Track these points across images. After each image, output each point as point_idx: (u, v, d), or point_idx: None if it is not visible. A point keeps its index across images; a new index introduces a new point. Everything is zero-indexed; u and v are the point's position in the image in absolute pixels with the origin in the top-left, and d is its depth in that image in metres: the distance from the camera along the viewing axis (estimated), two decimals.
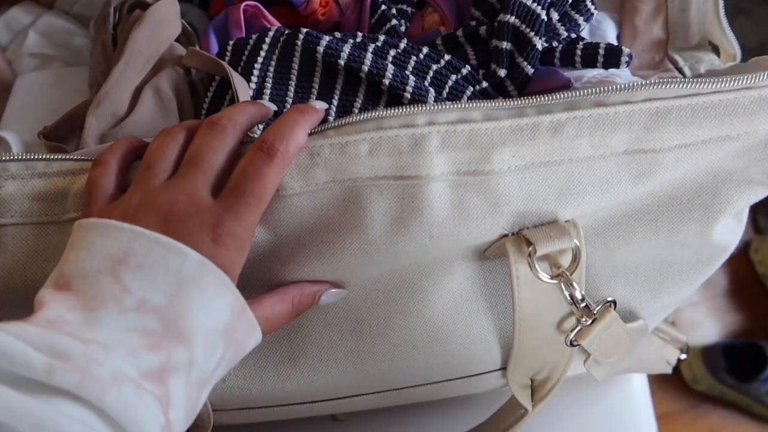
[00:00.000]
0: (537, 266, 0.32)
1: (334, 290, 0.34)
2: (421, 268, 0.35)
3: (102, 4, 0.44)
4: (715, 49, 0.44)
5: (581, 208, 0.33)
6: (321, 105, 0.33)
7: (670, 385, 1.11)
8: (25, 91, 0.41)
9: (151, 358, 0.25)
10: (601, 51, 0.40)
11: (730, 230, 0.38)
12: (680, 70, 0.43)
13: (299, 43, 0.38)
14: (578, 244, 0.33)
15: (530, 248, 0.32)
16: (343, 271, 0.33)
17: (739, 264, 1.19)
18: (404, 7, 0.45)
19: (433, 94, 0.37)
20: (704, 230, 0.36)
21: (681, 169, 0.33)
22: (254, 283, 0.33)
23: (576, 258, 0.33)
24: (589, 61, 0.40)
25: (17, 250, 0.32)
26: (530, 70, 0.39)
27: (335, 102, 0.38)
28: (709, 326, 1.12)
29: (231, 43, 0.40)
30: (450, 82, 0.39)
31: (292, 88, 0.38)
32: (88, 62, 0.44)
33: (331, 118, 0.38)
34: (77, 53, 0.45)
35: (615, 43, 0.44)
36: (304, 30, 0.38)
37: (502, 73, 0.40)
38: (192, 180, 0.29)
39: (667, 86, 0.31)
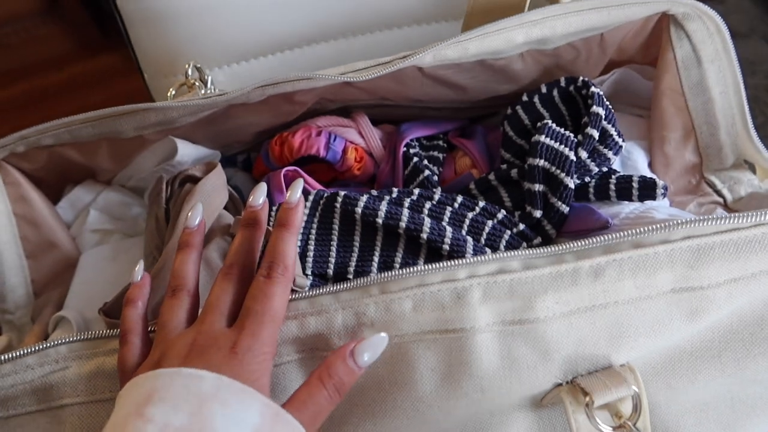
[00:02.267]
0: (597, 417, 0.32)
1: (368, 340, 0.32)
2: (478, 424, 0.34)
3: (153, 178, 0.48)
4: (752, 167, 0.45)
5: (636, 351, 0.33)
6: (294, 197, 0.35)
7: None
8: (87, 268, 0.45)
9: None
10: (635, 184, 0.41)
11: None
12: (719, 193, 0.44)
13: (338, 205, 0.40)
14: (638, 390, 0.32)
15: (587, 398, 0.32)
16: (397, 431, 0.33)
17: None
18: (435, 153, 0.48)
19: (472, 243, 0.39)
20: None
21: (736, 303, 0.33)
22: None
23: (637, 406, 0.32)
24: (624, 195, 0.42)
25: (80, 428, 0.33)
26: (565, 209, 0.41)
27: (376, 258, 0.40)
28: None
29: (274, 208, 0.43)
30: (487, 228, 0.40)
31: (334, 248, 0.40)
32: (143, 230, 0.48)
33: (373, 273, 0.39)
34: (134, 223, 0.49)
35: (647, 170, 0.46)
36: (342, 192, 0.41)
37: (538, 214, 0.41)
38: (208, 320, 0.32)
39: (706, 223, 0.32)
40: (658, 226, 0.32)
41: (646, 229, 0.32)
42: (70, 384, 0.35)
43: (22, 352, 0.35)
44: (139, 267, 0.37)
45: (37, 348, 0.35)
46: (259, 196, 0.36)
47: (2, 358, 0.35)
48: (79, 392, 0.34)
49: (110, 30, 1.21)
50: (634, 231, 0.32)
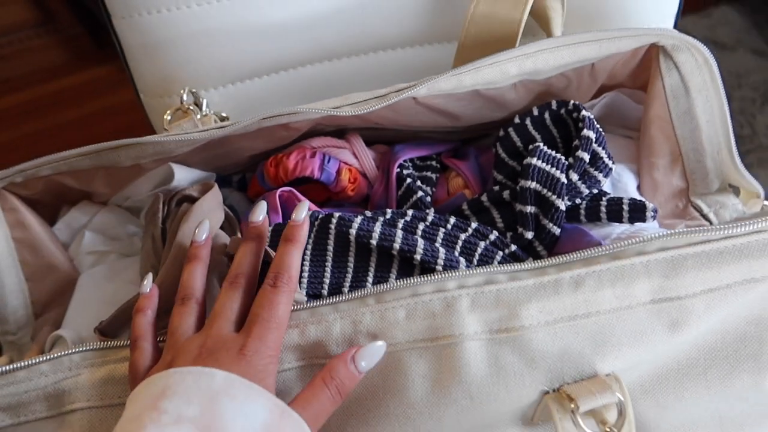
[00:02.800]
0: (582, 423, 0.36)
1: (367, 347, 0.38)
2: None
3: (150, 199, 0.53)
4: (736, 190, 0.51)
5: (620, 361, 0.38)
6: (300, 216, 0.42)
7: None
8: (84, 288, 0.50)
9: None
10: (626, 207, 0.47)
11: None
12: (705, 217, 0.49)
13: (332, 227, 0.46)
14: (622, 397, 0.37)
15: (572, 404, 0.36)
16: None
17: None
18: (428, 173, 0.54)
19: (464, 264, 0.44)
20: (757, 381, 0.40)
21: (716, 317, 0.38)
22: None
23: (622, 413, 0.37)
24: (615, 217, 0.47)
25: (88, 430, 0.39)
26: (557, 231, 0.46)
27: (370, 279, 0.45)
28: None
29: (270, 228, 0.48)
30: (479, 249, 0.46)
31: (328, 269, 0.46)
32: (139, 250, 0.53)
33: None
34: (130, 243, 0.54)
35: (636, 193, 0.51)
36: (337, 214, 0.46)
37: (529, 235, 0.47)
38: (216, 325, 0.39)
39: (678, 236, 0.37)
40: (635, 239, 0.38)
41: (622, 243, 0.38)
42: (81, 389, 0.40)
43: (37, 360, 0.40)
44: (148, 279, 0.43)
45: (51, 357, 0.41)
46: (259, 213, 0.43)
47: (17, 365, 0.40)
48: (90, 397, 0.40)
49: (104, 42, 1.28)
50: (611, 245, 0.38)
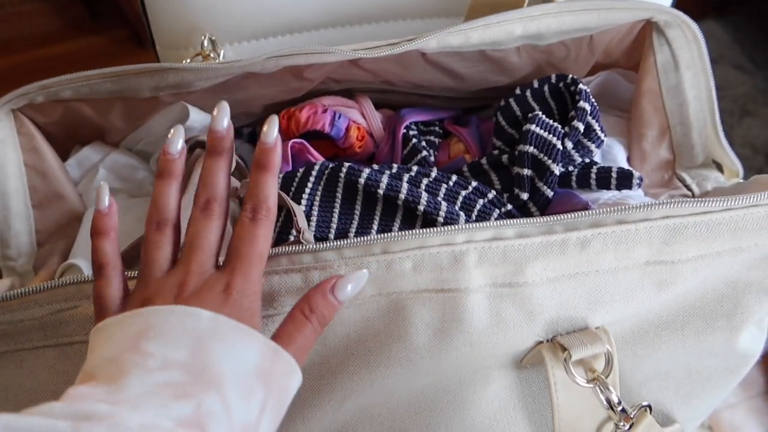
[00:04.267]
0: (573, 370, 0.35)
1: (347, 276, 0.33)
2: (462, 378, 0.37)
3: (162, 143, 0.50)
4: (719, 167, 0.49)
5: (610, 315, 0.36)
6: (271, 137, 0.33)
7: None
8: None
9: (182, 406, 0.26)
10: (614, 174, 0.45)
11: (754, 339, 0.40)
12: (688, 187, 0.48)
13: (342, 175, 0.43)
14: (610, 348, 0.35)
15: (565, 353, 0.35)
16: (390, 380, 0.36)
17: None
18: (432, 138, 0.51)
19: (464, 218, 0.42)
20: (729, 339, 0.39)
21: (699, 278, 0.37)
22: (307, 393, 0.35)
23: (609, 362, 0.35)
24: (604, 184, 0.45)
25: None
26: (550, 193, 0.44)
27: (375, 226, 0.42)
28: (752, 428, 1.08)
29: (281, 175, 0.45)
30: (478, 206, 0.43)
31: (336, 214, 0.43)
32: (149, 194, 0.50)
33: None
34: (139, 186, 0.50)
35: (626, 164, 0.49)
36: (347, 164, 0.43)
37: (525, 196, 0.44)
38: (196, 259, 0.32)
39: (683, 205, 0.35)
40: (641, 204, 0.35)
41: (629, 206, 0.36)
42: (78, 322, 0.36)
43: (30, 290, 0.35)
44: (104, 190, 0.34)
45: (46, 286, 0.35)
46: (222, 117, 0.34)
47: (9, 294, 0.35)
48: (88, 331, 0.35)
49: (99, 12, 1.21)
50: (619, 208, 0.36)
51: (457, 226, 0.35)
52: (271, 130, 0.33)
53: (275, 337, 0.31)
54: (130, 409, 0.25)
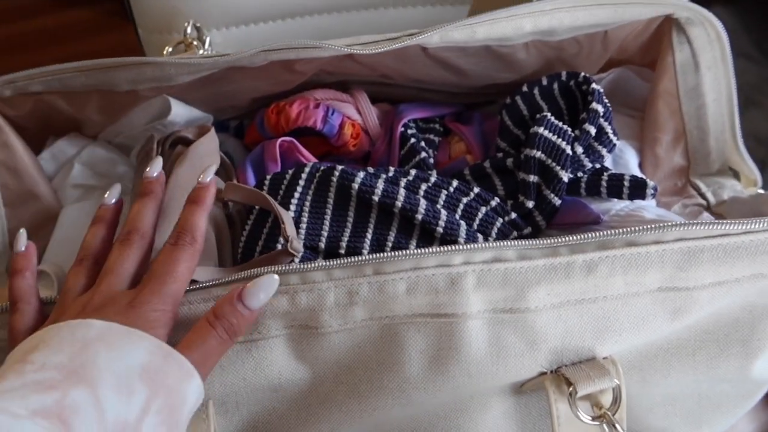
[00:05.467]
0: (578, 406, 0.32)
1: (256, 282, 0.32)
2: (458, 405, 0.35)
3: (144, 137, 0.47)
4: (736, 174, 0.46)
5: (618, 345, 0.34)
6: (207, 178, 0.36)
7: None
8: (68, 223, 0.43)
9: (43, 398, 0.26)
10: (626, 183, 0.41)
11: None
12: (703, 196, 0.45)
13: (335, 179, 0.40)
14: (618, 382, 0.33)
15: (570, 388, 0.32)
16: (381, 411, 0.33)
17: None
18: (431, 136, 0.48)
19: (465, 227, 0.39)
20: (744, 365, 0.36)
21: (716, 305, 0.34)
22: (293, 423, 0.33)
23: (617, 398, 0.33)
24: (615, 192, 0.42)
25: None
26: (557, 202, 0.41)
27: (369, 236, 0.39)
28: (745, 424, 1.07)
29: (269, 177, 0.42)
30: (480, 215, 0.40)
31: (327, 221, 0.40)
32: (129, 190, 0.47)
33: (365, 251, 0.39)
34: (119, 181, 0.47)
35: (637, 170, 0.46)
36: (339, 167, 0.40)
37: (530, 204, 0.41)
38: (106, 281, 0.33)
39: (698, 227, 0.32)
40: (652, 226, 0.32)
41: (640, 228, 0.33)
42: None
43: None
44: (21, 236, 0.36)
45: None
46: (155, 168, 0.38)
47: None
48: None
49: None
50: (628, 229, 0.33)
51: (454, 247, 0.32)
52: (209, 173, 0.37)
53: (177, 343, 0.31)
54: None
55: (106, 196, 0.37)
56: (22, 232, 0.36)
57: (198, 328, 0.31)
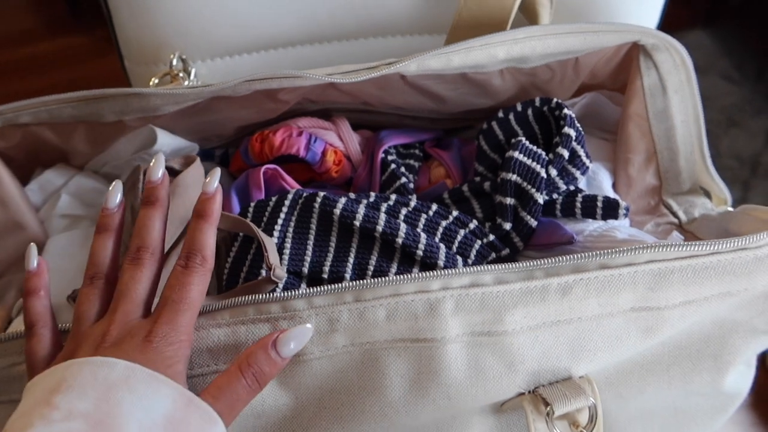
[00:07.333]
0: (555, 426, 0.33)
1: (291, 331, 0.31)
2: (440, 426, 0.35)
3: (130, 167, 0.47)
4: (707, 193, 0.47)
5: (594, 364, 0.34)
6: (212, 187, 0.34)
7: None
8: (55, 253, 0.43)
9: None
10: (600, 204, 0.42)
11: (742, 377, 0.38)
12: (675, 214, 0.45)
13: (317, 205, 0.40)
14: (594, 401, 0.33)
15: (548, 408, 0.32)
16: None
17: (759, 375, 1.17)
18: (411, 161, 0.48)
19: (444, 250, 0.39)
20: (716, 379, 0.37)
21: (687, 322, 0.34)
22: None
23: (593, 417, 0.33)
24: (589, 213, 0.43)
25: None
26: (533, 223, 0.42)
27: (351, 260, 0.40)
28: (729, 426, 1.08)
29: (253, 204, 0.42)
30: (459, 237, 0.41)
31: (310, 247, 0.40)
32: None
33: (347, 275, 0.39)
34: None
35: (611, 191, 0.47)
36: (322, 193, 0.40)
37: (508, 226, 0.42)
38: (122, 309, 0.31)
39: (668, 249, 0.33)
40: (624, 249, 0.33)
41: (612, 251, 0.33)
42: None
43: None
44: (32, 252, 0.34)
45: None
46: (158, 168, 0.34)
47: None
48: None
49: (80, 11, 1.16)
50: (601, 252, 0.33)
51: (432, 273, 0.33)
52: (213, 180, 0.34)
53: (204, 391, 0.30)
54: None
55: (107, 197, 0.34)
56: (33, 246, 0.34)
57: (227, 374, 0.30)
